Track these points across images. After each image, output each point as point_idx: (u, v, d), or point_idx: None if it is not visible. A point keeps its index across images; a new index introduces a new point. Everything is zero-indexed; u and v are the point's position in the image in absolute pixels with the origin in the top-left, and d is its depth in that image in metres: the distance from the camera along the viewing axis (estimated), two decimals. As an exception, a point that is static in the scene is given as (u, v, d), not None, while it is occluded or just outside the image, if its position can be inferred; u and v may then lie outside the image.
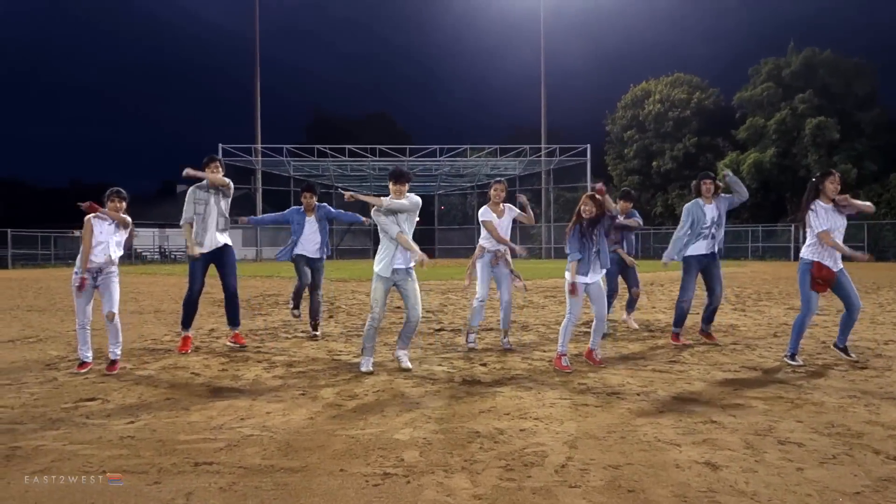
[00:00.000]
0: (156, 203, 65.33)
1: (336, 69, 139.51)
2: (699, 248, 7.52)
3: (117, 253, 6.47)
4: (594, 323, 6.45)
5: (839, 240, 6.30)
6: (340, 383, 5.71)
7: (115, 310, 6.33)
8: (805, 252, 6.48)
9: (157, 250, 47.80)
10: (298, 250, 8.39)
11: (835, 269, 6.33)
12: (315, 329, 8.48)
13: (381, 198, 6.12)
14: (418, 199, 6.24)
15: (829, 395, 5.16)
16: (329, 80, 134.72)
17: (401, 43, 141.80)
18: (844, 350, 6.60)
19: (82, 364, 6.33)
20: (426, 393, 5.32)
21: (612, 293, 8.35)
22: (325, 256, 8.56)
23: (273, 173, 47.59)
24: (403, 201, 6.11)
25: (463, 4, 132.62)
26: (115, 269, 6.46)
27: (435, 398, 5.14)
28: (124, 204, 6.44)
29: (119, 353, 6.37)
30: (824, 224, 6.25)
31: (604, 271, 6.32)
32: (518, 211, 7.40)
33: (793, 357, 6.41)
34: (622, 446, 3.90)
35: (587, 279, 6.19)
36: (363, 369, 6.18)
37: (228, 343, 7.68)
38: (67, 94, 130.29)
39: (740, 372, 6.05)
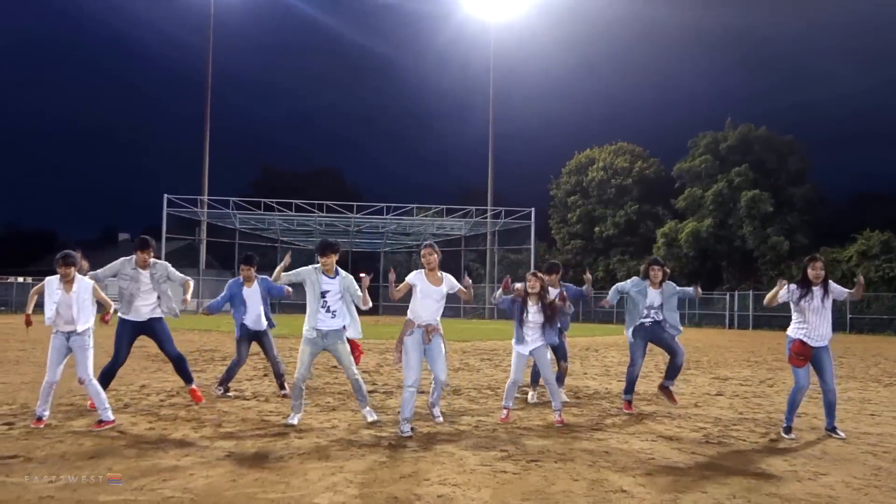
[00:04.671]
0: (97, 251, 64.14)
1: (286, 124, 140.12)
2: (645, 321, 7.88)
3: (90, 318, 6.55)
4: (547, 387, 7.19)
5: (824, 318, 6.66)
6: (268, 445, 5.77)
7: (87, 375, 6.32)
8: (789, 330, 6.84)
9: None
10: (246, 321, 8.44)
11: (817, 345, 6.63)
12: (282, 387, 8.57)
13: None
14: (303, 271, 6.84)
15: (737, 466, 5.42)
16: (278, 135, 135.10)
17: (351, 101, 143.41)
18: (833, 430, 6.70)
19: (38, 420, 6.33)
20: (351, 456, 5.42)
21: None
22: (268, 326, 8.58)
23: (218, 225, 47.26)
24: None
25: (416, 68, 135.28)
26: (88, 332, 6.50)
27: (359, 462, 5.25)
28: (72, 270, 6.43)
29: (111, 414, 6.42)
30: (783, 297, 6.78)
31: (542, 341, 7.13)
32: (458, 285, 6.77)
33: (787, 430, 6.63)
34: (532, 514, 4.07)
35: (522, 350, 7.09)
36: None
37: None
38: (4, 137, 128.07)
39: (657, 441, 6.29)
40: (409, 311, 6.64)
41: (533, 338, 7.08)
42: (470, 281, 6.81)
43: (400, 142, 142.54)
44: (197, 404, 7.67)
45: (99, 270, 7.34)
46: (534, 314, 7.03)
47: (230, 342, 8.76)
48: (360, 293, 6.77)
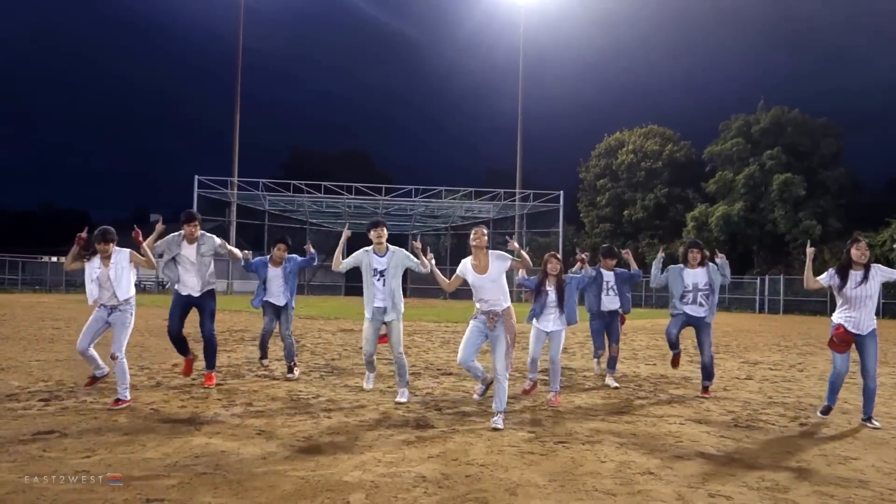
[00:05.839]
0: (128, 230, 64.73)
1: (315, 106, 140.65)
2: (693, 310, 7.80)
3: (131, 287, 6.63)
4: (550, 367, 7.34)
5: (868, 305, 6.43)
6: (297, 424, 5.85)
7: (121, 352, 6.38)
8: (834, 315, 6.68)
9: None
10: (267, 297, 8.51)
11: (860, 333, 6.42)
12: (290, 371, 8.53)
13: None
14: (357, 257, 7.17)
15: (765, 449, 5.39)
16: (307, 117, 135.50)
17: (380, 84, 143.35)
18: (868, 420, 6.49)
19: (97, 378, 6.84)
20: (379, 436, 5.47)
21: (597, 350, 8.92)
22: (290, 302, 8.61)
23: (248, 207, 47.62)
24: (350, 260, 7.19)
25: (446, 50, 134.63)
26: (129, 307, 6.58)
27: (387, 442, 5.30)
28: (111, 245, 6.51)
29: (128, 394, 6.41)
30: (825, 281, 6.65)
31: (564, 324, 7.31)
32: (510, 260, 6.37)
33: (826, 411, 6.69)
34: (560, 495, 4.09)
35: (543, 327, 7.29)
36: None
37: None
38: (40, 119, 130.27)
39: (685, 424, 6.27)
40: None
41: (553, 318, 7.28)
42: (517, 245, 6.28)
43: (428, 124, 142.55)
44: (207, 387, 7.53)
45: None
46: (552, 294, 7.27)
47: (260, 323, 8.83)
48: (415, 259, 7.11)
